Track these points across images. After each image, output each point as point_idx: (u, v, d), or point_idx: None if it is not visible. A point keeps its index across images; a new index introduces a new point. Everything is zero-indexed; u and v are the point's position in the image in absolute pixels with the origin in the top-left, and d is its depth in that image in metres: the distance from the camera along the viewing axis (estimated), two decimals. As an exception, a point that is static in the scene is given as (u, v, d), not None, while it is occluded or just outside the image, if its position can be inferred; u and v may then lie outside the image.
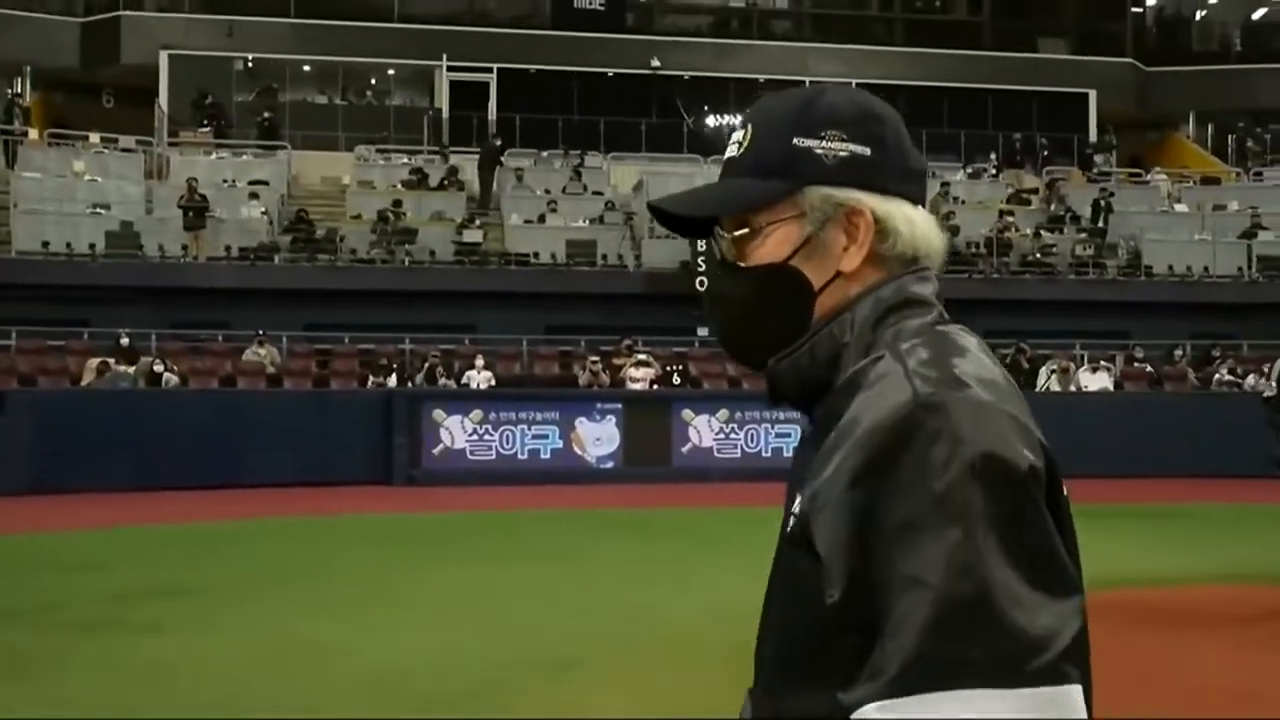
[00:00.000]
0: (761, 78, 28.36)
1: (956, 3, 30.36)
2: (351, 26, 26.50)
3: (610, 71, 27.59)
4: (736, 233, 1.21)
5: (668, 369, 17.92)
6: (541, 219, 21.42)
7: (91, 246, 19.05)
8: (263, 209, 20.65)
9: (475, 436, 15.94)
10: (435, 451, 15.86)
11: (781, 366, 1.21)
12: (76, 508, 13.17)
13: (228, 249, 19.68)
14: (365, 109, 27.70)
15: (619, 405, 16.35)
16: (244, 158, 22.86)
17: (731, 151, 1.24)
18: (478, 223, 20.82)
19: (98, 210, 19.72)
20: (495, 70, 26.97)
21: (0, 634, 6.86)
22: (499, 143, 23.42)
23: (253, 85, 27.07)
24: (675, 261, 20.46)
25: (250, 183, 21.51)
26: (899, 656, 0.99)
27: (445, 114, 26.60)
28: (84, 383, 15.89)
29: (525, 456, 16.04)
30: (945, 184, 23.83)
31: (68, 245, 19.08)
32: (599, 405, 16.31)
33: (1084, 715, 1.00)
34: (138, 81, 26.43)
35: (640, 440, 16.21)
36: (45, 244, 18.98)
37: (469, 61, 26.70)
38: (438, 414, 15.90)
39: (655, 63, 27.45)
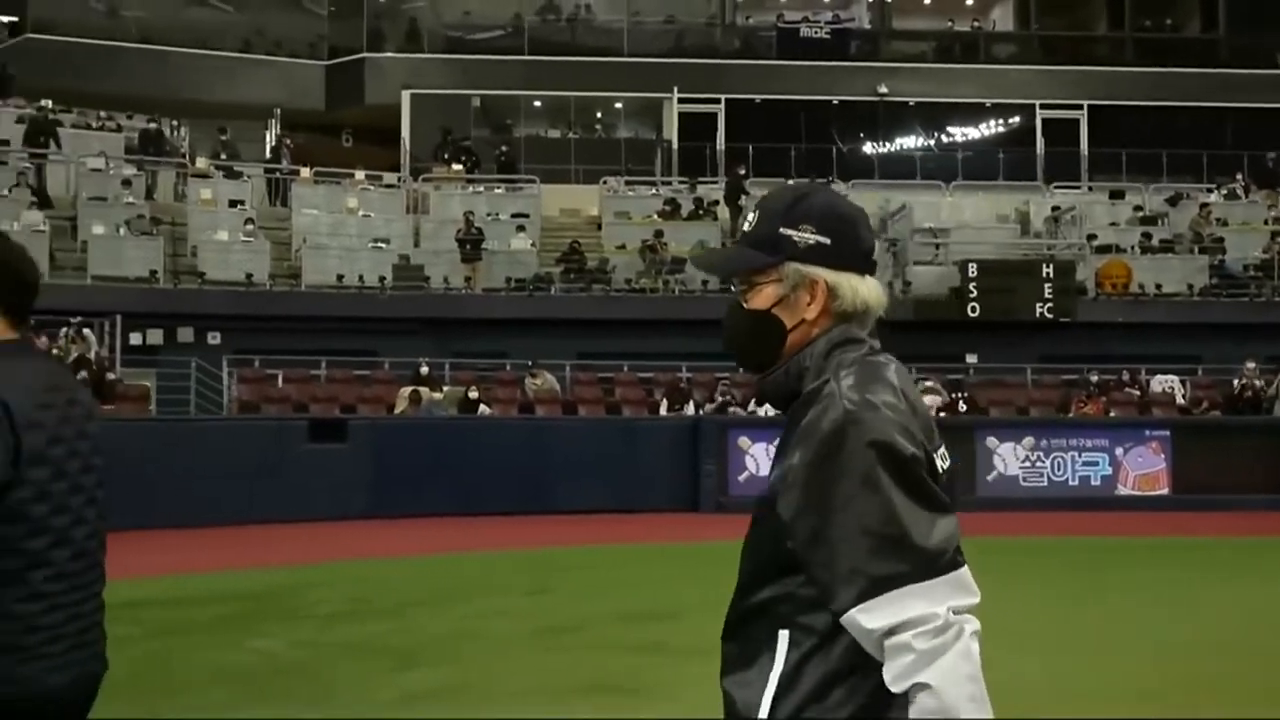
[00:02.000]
0: (988, 102, 28.11)
1: (1189, 20, 29.56)
2: (582, 63, 27.00)
3: (836, 99, 27.59)
4: (742, 285, 1.88)
5: (953, 396, 17.71)
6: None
7: (381, 280, 19.68)
8: (530, 241, 21.08)
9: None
10: (741, 479, 15.91)
11: (767, 381, 1.88)
12: (418, 531, 13.52)
13: (509, 280, 20.10)
14: (597, 142, 28.15)
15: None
16: (497, 192, 23.36)
17: (745, 227, 1.91)
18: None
19: (379, 245, 20.36)
20: (723, 101, 27.20)
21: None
22: (743, 172, 23.52)
23: (488, 122, 27.74)
24: (945, 288, 20.25)
25: (513, 215, 21.98)
26: (861, 579, 1.66)
27: (675, 145, 26.88)
28: (398, 410, 16.35)
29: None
30: (1204, 206, 23.13)
31: (360, 278, 19.72)
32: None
33: (971, 582, 1.70)
34: (377, 121, 27.35)
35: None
36: (340, 277, 19.64)
37: (697, 93, 26.98)
38: (743, 441, 15.96)
39: (882, 89, 27.35)
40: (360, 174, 22.95)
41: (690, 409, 17.14)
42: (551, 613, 8.24)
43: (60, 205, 20.54)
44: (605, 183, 23.92)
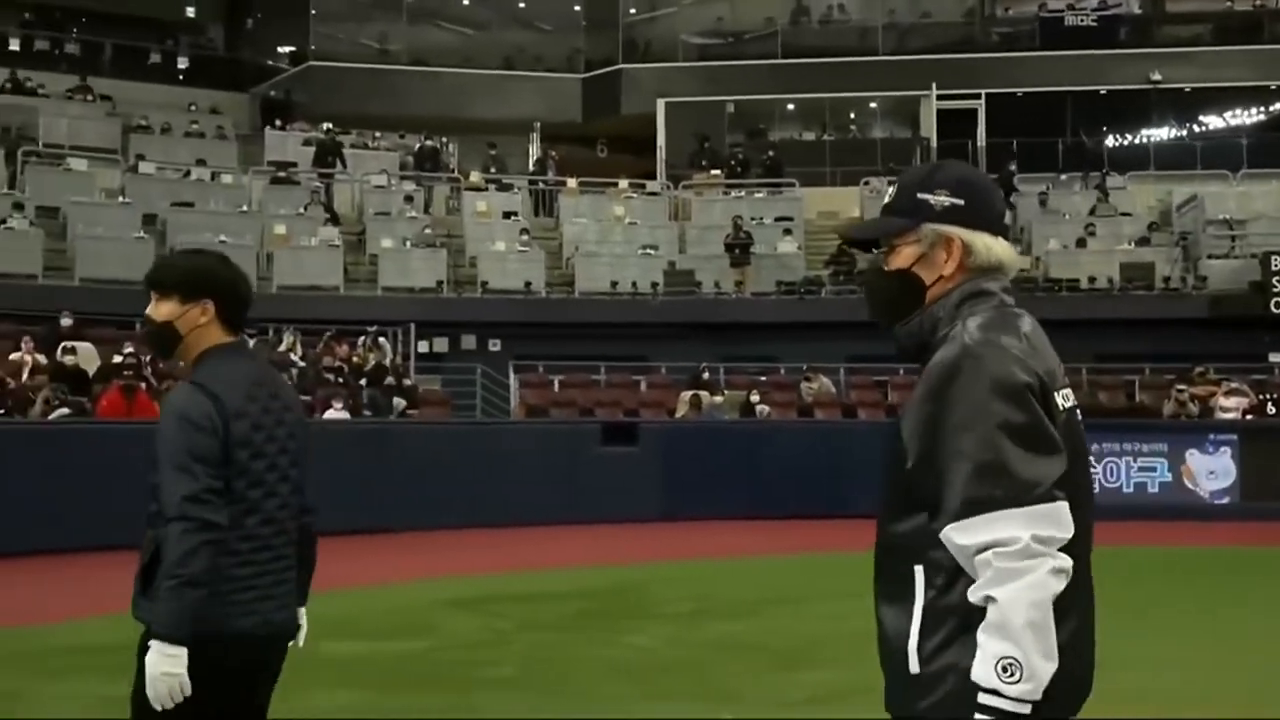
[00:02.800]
0: (1273, 84, 26.34)
1: None
2: (836, 63, 26.70)
3: (1104, 88, 26.39)
4: (885, 249, 2.09)
5: (1261, 398, 16.59)
6: (1081, 243, 20.56)
7: (653, 285, 19.93)
8: (797, 244, 20.95)
9: (1078, 469, 15.28)
10: (1035, 484, 15.32)
11: (903, 331, 2.07)
12: (717, 534, 13.54)
13: (779, 284, 20.05)
14: (851, 143, 27.79)
15: (1233, 437, 15.23)
16: (758, 196, 23.34)
17: (887, 199, 2.14)
18: (1020, 249, 20.23)
19: (647, 251, 20.63)
20: (983, 95, 26.39)
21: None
22: (1013, 169, 22.75)
23: (742, 127, 27.78)
24: (1243, 282, 19.04)
25: (777, 219, 21.91)
26: (957, 499, 1.84)
27: (934, 142, 26.24)
28: (678, 414, 16.48)
29: (1131, 490, 15.21)
30: None
31: (633, 285, 20.02)
32: (1212, 436, 15.25)
33: (1069, 520, 1.85)
34: (631, 130, 27.78)
35: (1259, 474, 15.00)
36: (613, 284, 20.00)
37: (956, 89, 26.27)
38: (1036, 445, 15.36)
39: (1155, 76, 25.98)
40: (623, 183, 23.32)
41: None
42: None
43: (347, 221, 21.64)
44: (867, 183, 23.56)
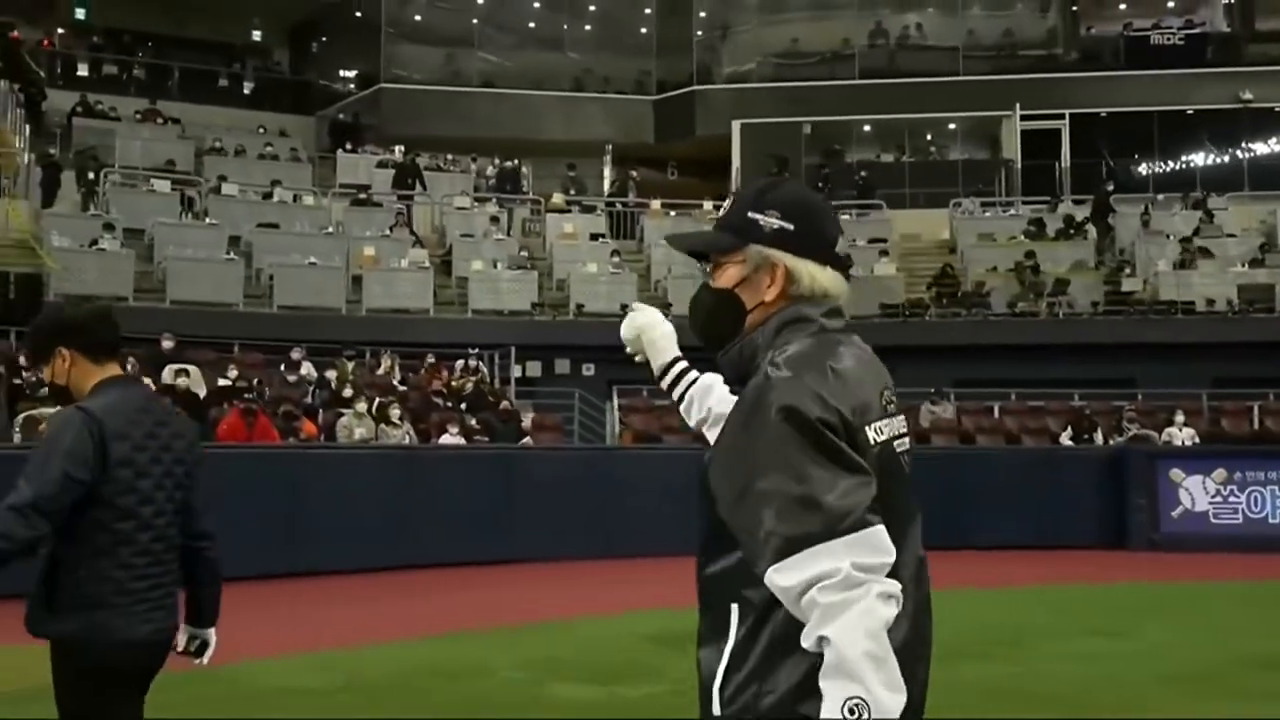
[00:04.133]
0: (1366, 102, 25.70)
1: None
2: (915, 84, 26.22)
3: (1192, 108, 25.81)
4: (711, 266, 2.01)
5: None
6: (1186, 264, 19.91)
7: (752, 308, 19.39)
8: (895, 266, 20.38)
9: (1219, 498, 14.59)
10: (1175, 514, 14.64)
11: (725, 360, 1.99)
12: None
13: (883, 306, 19.46)
14: (931, 164, 27.23)
15: (1387, 464, 14.52)
16: (843, 218, 22.77)
17: (721, 212, 2.04)
18: (1127, 270, 19.61)
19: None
20: (1067, 116, 25.85)
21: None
22: (1110, 189, 22.16)
23: (817, 148, 27.28)
24: (1366, 303, 18.37)
25: (870, 241, 21.36)
26: (771, 540, 1.72)
27: (1018, 163, 25.69)
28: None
29: (1278, 520, 14.52)
30: None
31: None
32: (1359, 463, 14.55)
33: (888, 543, 1.72)
34: (704, 152, 27.35)
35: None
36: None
37: (1040, 109, 25.74)
38: (1175, 473, 14.69)
39: (1246, 95, 25.37)
40: (708, 204, 22.81)
41: (1099, 439, 15.96)
42: (1165, 658, 7.44)
43: (428, 244, 21.18)
44: (958, 204, 22.99)
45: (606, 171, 26.89)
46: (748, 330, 1.94)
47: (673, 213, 22.86)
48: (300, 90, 29.43)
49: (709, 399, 2.46)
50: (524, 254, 20.46)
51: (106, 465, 2.96)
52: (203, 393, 13.59)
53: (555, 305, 19.83)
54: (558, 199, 22.63)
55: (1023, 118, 25.76)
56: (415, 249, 19.83)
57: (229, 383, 13.94)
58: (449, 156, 25.42)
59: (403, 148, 24.61)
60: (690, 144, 27.61)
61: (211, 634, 3.39)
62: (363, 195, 22.07)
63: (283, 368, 15.82)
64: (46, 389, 3.37)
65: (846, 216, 23.04)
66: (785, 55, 27.59)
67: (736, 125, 26.46)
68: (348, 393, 14.66)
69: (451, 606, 9.99)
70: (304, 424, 13.19)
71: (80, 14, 27.50)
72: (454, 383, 16.53)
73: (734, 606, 1.82)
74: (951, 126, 27.62)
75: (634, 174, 24.80)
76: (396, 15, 27.87)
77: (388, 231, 20.53)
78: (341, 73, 29.98)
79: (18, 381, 12.43)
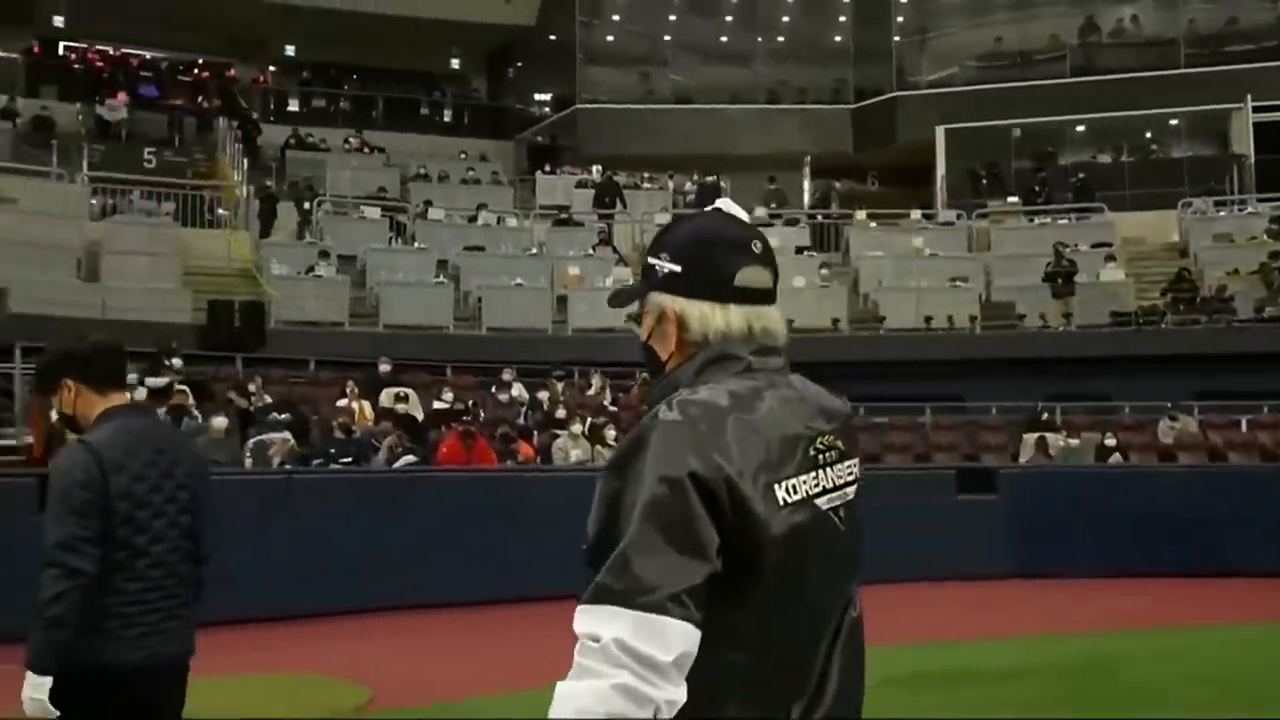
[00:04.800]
0: None
1: None
2: (1131, 79, 24.75)
3: None
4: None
5: None
6: None
7: (971, 319, 18.52)
8: (1123, 271, 19.16)
9: None
10: None
11: (648, 401, 1.82)
12: (1101, 593, 11.95)
13: (1113, 315, 18.30)
14: (1153, 163, 25.65)
15: None
16: (1061, 222, 21.63)
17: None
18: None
19: (957, 284, 19.22)
20: (1310, 105, 23.96)
21: None
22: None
23: (1029, 151, 26.05)
24: None
25: (1094, 245, 20.17)
26: (593, 582, 1.58)
27: (1251, 159, 23.91)
28: (1022, 459, 14.95)
29: None
30: None
31: (949, 320, 18.65)
32: None
33: (679, 643, 1.52)
34: (904, 159, 26.46)
35: None
36: (928, 320, 18.66)
37: (1275, 100, 23.92)
38: None
39: None
40: (916, 214, 21.99)
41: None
42: None
43: (630, 262, 20.98)
44: (1188, 204, 21.53)
45: (806, 184, 26.29)
46: (666, 374, 1.80)
47: (873, 224, 22.11)
48: (498, 115, 29.83)
49: None
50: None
51: (108, 497, 3.08)
52: (420, 416, 13.60)
53: (762, 321, 19.31)
54: (760, 213, 22.15)
55: (1255, 109, 23.99)
56: (619, 267, 19.65)
57: (445, 405, 13.92)
58: (646, 174, 25.29)
59: (600, 167, 24.59)
60: (890, 152, 26.78)
61: None
62: (564, 215, 22.10)
63: (494, 389, 15.79)
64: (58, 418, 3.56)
65: (1065, 221, 21.89)
66: (989, 56, 26.48)
67: (940, 131, 25.46)
68: (560, 414, 14.51)
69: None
70: (521, 446, 13.05)
71: (289, 50, 28.47)
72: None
73: None
74: (1173, 122, 25.95)
75: (837, 184, 24.12)
76: (589, 39, 27.97)
77: (590, 250, 20.45)
78: (537, 96, 30.30)
79: (248, 407, 12.64)
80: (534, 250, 20.38)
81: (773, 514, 1.61)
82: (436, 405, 14.23)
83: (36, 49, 26.11)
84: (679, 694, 1.52)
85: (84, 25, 26.21)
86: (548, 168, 25.49)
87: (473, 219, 21.17)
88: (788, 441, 1.68)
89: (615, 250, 20.69)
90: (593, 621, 1.53)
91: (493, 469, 11.95)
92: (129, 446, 3.16)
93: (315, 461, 11.67)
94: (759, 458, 1.62)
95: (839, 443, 1.76)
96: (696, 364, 1.75)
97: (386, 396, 13.98)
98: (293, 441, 11.67)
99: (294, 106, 28.26)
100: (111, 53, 26.57)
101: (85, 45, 26.65)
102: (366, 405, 13.76)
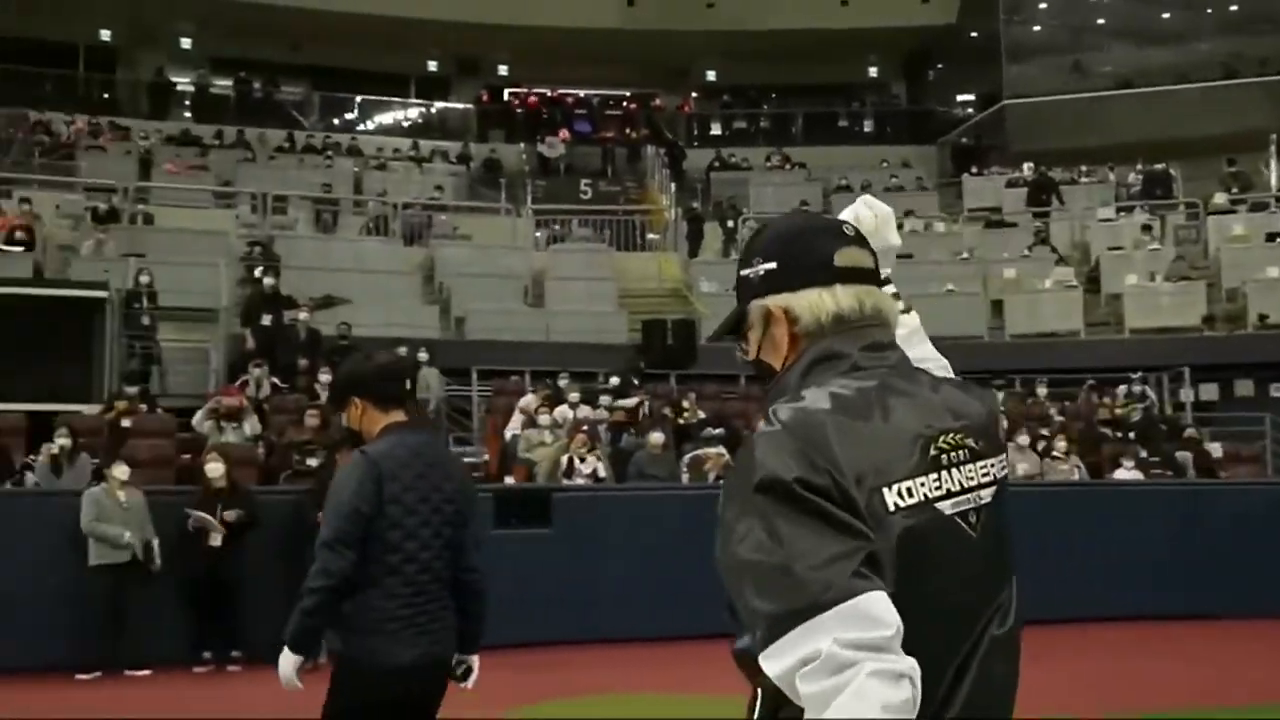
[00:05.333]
0: None
1: None
2: None
3: None
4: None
5: None
6: None
7: None
8: None
9: None
10: None
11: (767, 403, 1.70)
12: None
13: None
14: None
15: None
16: None
17: None
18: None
19: None
20: None
21: None
22: None
23: None
24: None
25: None
26: (755, 622, 1.45)
27: None
28: None
29: None
30: None
31: None
32: None
33: (887, 612, 1.40)
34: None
35: None
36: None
37: None
38: None
39: None
40: None
41: None
42: None
43: (1071, 262, 19.58)
44: None
45: (1273, 163, 23.50)
46: (779, 379, 1.69)
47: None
48: (919, 120, 29.02)
49: (910, 347, 1.88)
50: (1183, 263, 18.18)
51: (381, 502, 3.36)
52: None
53: (1230, 318, 17.35)
54: (1219, 199, 19.99)
55: None
56: (1059, 267, 18.36)
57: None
58: (1083, 168, 23.61)
59: (1031, 164, 23.22)
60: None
61: (474, 660, 3.67)
62: (995, 217, 21.04)
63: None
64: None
65: None
66: None
67: None
68: (1003, 424, 13.62)
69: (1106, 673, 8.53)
70: (963, 459, 12.32)
71: (710, 75, 29.13)
72: (1118, 410, 14.85)
73: (758, 690, 1.60)
74: None
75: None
76: (1013, 31, 26.56)
77: (1026, 251, 19.29)
78: (959, 97, 29.20)
79: (683, 423, 12.77)
80: (964, 255, 19.49)
81: (880, 520, 1.50)
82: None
83: (485, 97, 28.32)
84: (914, 662, 1.39)
85: (525, 72, 28.14)
86: (974, 169, 24.44)
87: (899, 226, 20.52)
88: (900, 442, 1.56)
89: (1053, 249, 19.37)
90: (797, 647, 1.40)
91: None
92: (403, 459, 3.45)
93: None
94: (865, 461, 1.51)
95: (970, 441, 1.62)
96: (803, 364, 1.66)
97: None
98: (727, 456, 11.63)
99: (716, 130, 28.90)
100: (549, 95, 28.33)
101: (526, 90, 28.60)
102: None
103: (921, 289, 18.24)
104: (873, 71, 29.83)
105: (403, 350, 14.05)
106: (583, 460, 11.46)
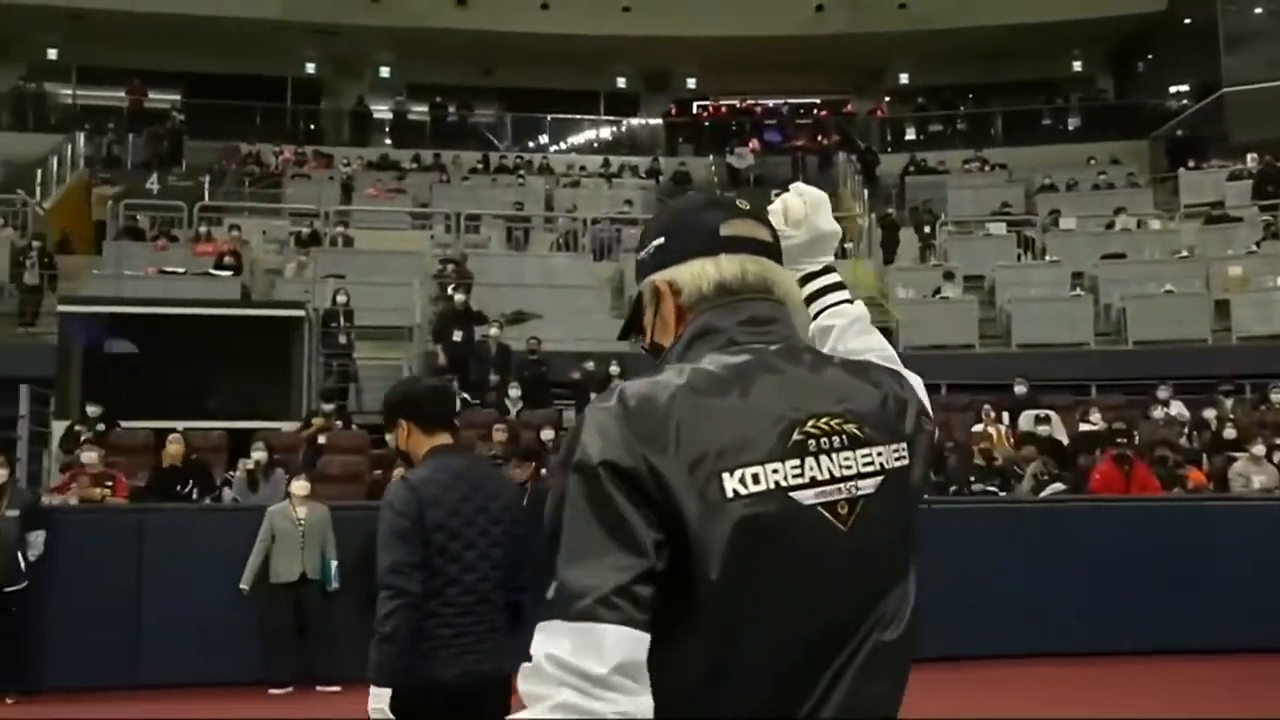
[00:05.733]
0: None
1: None
2: None
3: None
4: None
5: None
6: None
7: None
8: None
9: None
10: None
11: None
12: None
13: None
14: None
15: None
16: None
17: None
18: None
19: None
20: None
21: None
22: None
23: None
24: None
25: None
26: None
27: None
28: None
29: None
30: None
31: None
32: None
33: (610, 649, 1.31)
34: None
35: None
36: None
37: None
38: None
39: None
40: None
41: None
42: None
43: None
44: None
45: None
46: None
47: None
48: (1127, 114, 27.45)
49: (848, 338, 1.82)
50: None
51: (424, 527, 3.40)
52: (1065, 439, 12.37)
53: None
54: None
55: None
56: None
57: (1093, 427, 12.55)
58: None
59: (1255, 155, 21.59)
60: None
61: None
62: (1217, 212, 19.65)
63: (1149, 409, 14.07)
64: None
65: None
66: None
67: None
68: (1230, 434, 12.57)
69: None
70: (1190, 472, 11.39)
71: (903, 79, 28.30)
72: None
73: None
74: None
75: None
76: (1232, 16, 24.84)
77: (1254, 247, 17.89)
78: (1171, 88, 27.51)
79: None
80: (1183, 253, 18.22)
81: (716, 507, 1.39)
82: (1083, 427, 12.89)
83: (674, 111, 28.23)
84: (635, 706, 1.32)
85: (713, 83, 27.94)
86: (1191, 163, 22.91)
87: (1109, 225, 19.45)
88: (757, 423, 1.45)
89: (1282, 243, 17.91)
90: (539, 641, 1.37)
91: (1159, 497, 10.47)
92: (446, 483, 3.49)
93: (952, 489, 10.95)
94: (709, 441, 1.42)
95: (850, 427, 1.49)
96: (683, 341, 1.59)
97: (1026, 419, 12.91)
98: (928, 469, 11.02)
99: (910, 135, 28.07)
100: (738, 105, 28.03)
101: (714, 102, 28.38)
102: (1004, 429, 12.79)
103: (1138, 289, 17.23)
104: (1077, 66, 28.42)
105: (590, 365, 13.97)
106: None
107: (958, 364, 15.89)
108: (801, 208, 1.87)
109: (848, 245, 21.07)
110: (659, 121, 28.28)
